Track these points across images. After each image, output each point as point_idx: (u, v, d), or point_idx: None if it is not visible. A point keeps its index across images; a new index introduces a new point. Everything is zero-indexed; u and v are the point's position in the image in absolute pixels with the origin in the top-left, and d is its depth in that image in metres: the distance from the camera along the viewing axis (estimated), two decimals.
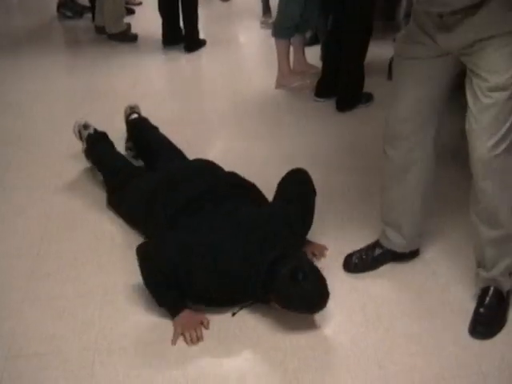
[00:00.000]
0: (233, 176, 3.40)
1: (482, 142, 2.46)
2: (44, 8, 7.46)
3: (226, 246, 2.82)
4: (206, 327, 2.81)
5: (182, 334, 2.76)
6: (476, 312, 2.79)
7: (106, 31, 6.45)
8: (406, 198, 2.94)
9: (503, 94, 2.39)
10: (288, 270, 2.66)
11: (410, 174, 2.86)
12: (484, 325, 2.76)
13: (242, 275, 2.76)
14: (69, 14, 7.04)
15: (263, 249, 2.80)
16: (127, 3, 6.87)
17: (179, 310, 2.82)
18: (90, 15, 6.95)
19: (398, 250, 3.10)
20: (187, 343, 2.74)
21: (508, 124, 2.43)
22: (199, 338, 2.76)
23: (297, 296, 2.65)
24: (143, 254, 2.87)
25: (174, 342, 2.75)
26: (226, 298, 2.85)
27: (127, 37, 6.42)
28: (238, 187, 3.29)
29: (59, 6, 7.08)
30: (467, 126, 2.53)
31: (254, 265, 2.75)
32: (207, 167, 3.50)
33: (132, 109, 4.25)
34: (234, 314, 2.84)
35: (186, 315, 2.81)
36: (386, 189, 3.00)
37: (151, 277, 2.84)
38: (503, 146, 2.46)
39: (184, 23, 6.11)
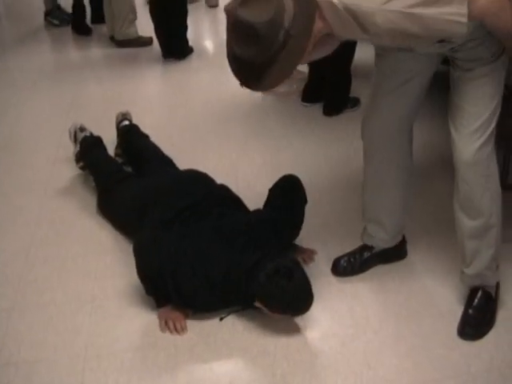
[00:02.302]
0: (224, 189, 3.44)
1: (464, 128, 2.51)
2: (31, 16, 7.44)
3: (213, 252, 2.85)
4: (189, 318, 2.87)
5: (165, 324, 2.83)
6: (465, 313, 2.81)
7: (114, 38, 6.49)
8: (385, 193, 2.97)
9: (482, 81, 2.45)
10: (270, 268, 2.68)
11: (389, 169, 2.90)
12: (473, 326, 2.78)
13: (231, 280, 2.78)
14: (56, 22, 7.01)
15: (246, 253, 2.83)
16: None
17: (164, 303, 2.89)
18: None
19: (382, 245, 3.12)
20: (170, 332, 2.81)
21: (487, 114, 2.48)
22: (183, 329, 2.83)
23: (280, 295, 2.66)
24: (138, 250, 2.88)
25: (161, 328, 2.84)
26: (217, 301, 2.86)
27: (139, 42, 6.45)
28: (229, 199, 3.33)
29: (46, 14, 7.07)
30: (450, 118, 2.58)
31: (236, 269, 2.78)
32: (200, 178, 3.52)
33: (124, 115, 4.27)
34: (221, 319, 2.86)
35: (169, 307, 2.89)
36: (366, 186, 3.03)
37: (142, 271, 2.87)
38: (485, 136, 2.50)
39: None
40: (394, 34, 2.22)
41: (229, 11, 2.22)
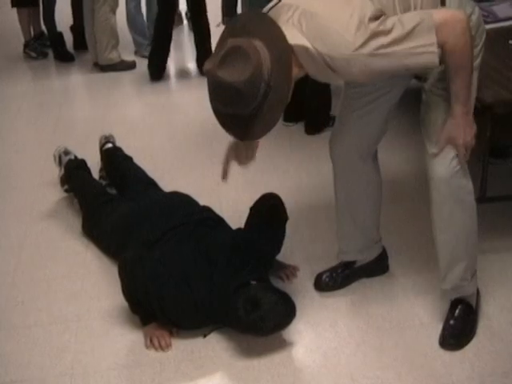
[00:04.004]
0: (207, 210, 3.48)
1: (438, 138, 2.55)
2: (13, 45, 7.38)
3: (197, 273, 2.88)
4: (174, 335, 2.89)
5: (151, 341, 2.85)
6: (446, 324, 2.84)
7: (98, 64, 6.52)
8: (355, 207, 3.02)
9: None
10: (240, 303, 2.70)
11: (358, 185, 2.96)
12: (454, 337, 2.81)
13: (215, 301, 2.80)
14: (33, 54, 6.96)
15: (229, 275, 2.85)
16: None
17: (150, 321, 2.90)
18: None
19: (358, 257, 3.15)
20: (156, 349, 2.83)
21: None
22: (168, 346, 2.84)
23: (254, 325, 2.71)
24: (124, 270, 2.92)
25: (146, 346, 2.86)
26: (202, 319, 2.89)
27: (123, 66, 6.52)
28: (212, 220, 3.36)
29: (25, 46, 7.05)
30: (423, 129, 2.63)
31: (219, 291, 2.80)
32: (183, 200, 3.56)
33: (106, 138, 4.28)
34: (205, 336, 2.88)
35: (154, 325, 2.90)
36: (338, 202, 3.07)
37: (127, 291, 2.91)
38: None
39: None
40: (370, 75, 2.29)
41: (208, 71, 2.27)
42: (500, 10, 3.56)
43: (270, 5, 2.42)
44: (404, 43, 2.19)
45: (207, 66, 2.28)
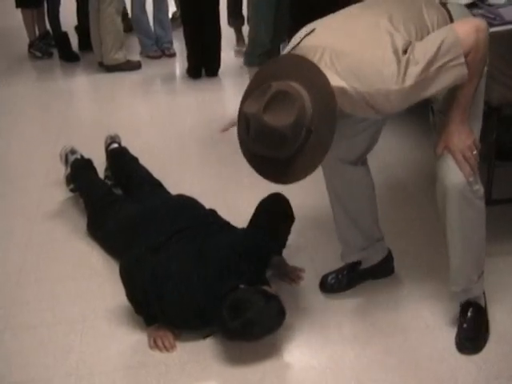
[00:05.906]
0: (212, 213, 3.48)
1: None
2: (18, 46, 7.41)
3: (197, 276, 2.86)
4: (177, 337, 2.89)
5: (154, 342, 2.85)
6: (460, 328, 2.81)
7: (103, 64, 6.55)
8: (350, 210, 3.01)
9: None
10: (224, 309, 2.69)
11: (349, 188, 2.96)
12: (469, 340, 2.78)
13: (214, 305, 2.76)
14: (38, 54, 6.98)
15: (222, 279, 2.84)
16: None
17: (153, 321, 2.90)
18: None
19: (357, 259, 3.14)
20: (160, 350, 2.83)
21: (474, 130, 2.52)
22: (172, 346, 2.85)
23: (236, 331, 2.71)
24: (123, 272, 2.92)
25: (150, 346, 2.86)
26: (203, 322, 2.87)
27: (128, 66, 6.55)
28: (217, 224, 3.36)
29: (30, 46, 7.08)
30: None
31: (213, 296, 2.79)
32: (188, 203, 3.56)
33: (112, 138, 4.29)
34: (205, 338, 2.88)
35: (158, 325, 2.90)
36: (333, 206, 3.07)
37: (128, 292, 2.90)
38: None
39: None
40: (407, 104, 2.32)
41: (253, 116, 2.27)
42: (507, 12, 3.54)
43: (289, 47, 2.47)
44: (435, 63, 2.23)
45: (251, 109, 2.28)
